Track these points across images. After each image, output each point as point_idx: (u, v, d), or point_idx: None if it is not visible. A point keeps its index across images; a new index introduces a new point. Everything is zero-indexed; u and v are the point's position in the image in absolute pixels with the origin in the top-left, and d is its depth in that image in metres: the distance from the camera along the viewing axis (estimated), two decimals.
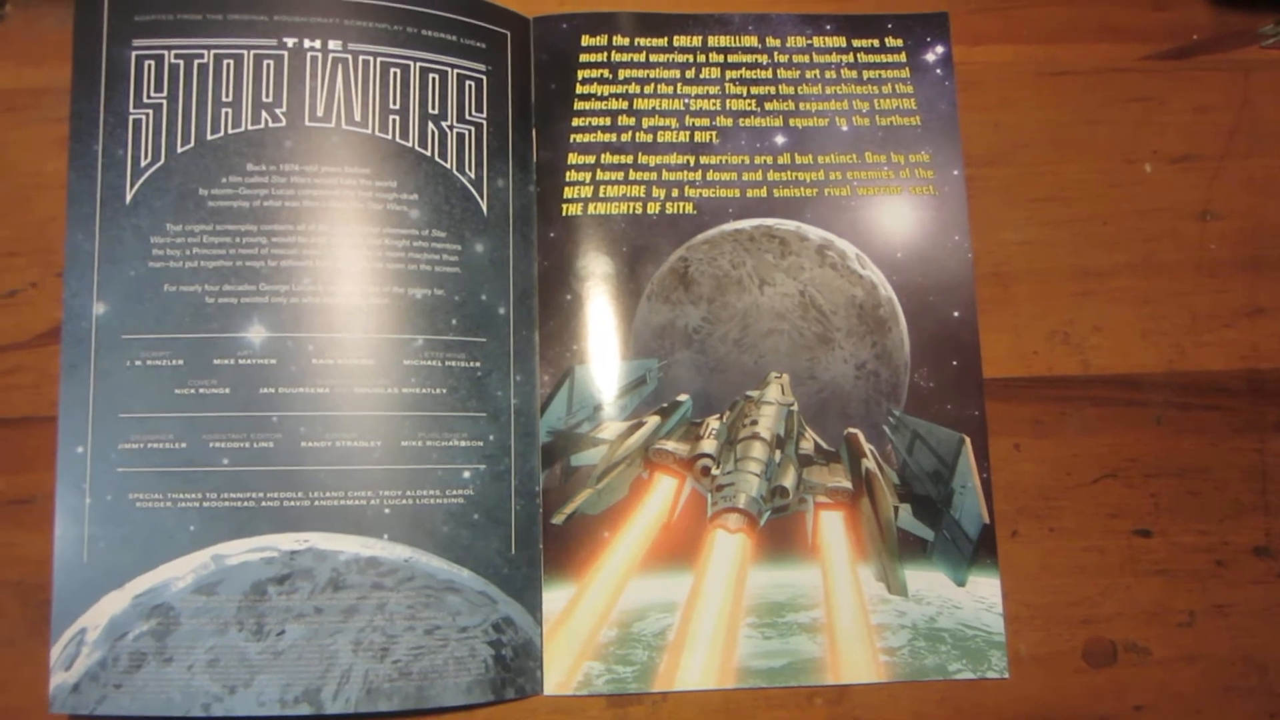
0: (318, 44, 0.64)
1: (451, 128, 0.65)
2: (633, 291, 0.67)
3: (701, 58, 0.70)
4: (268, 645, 0.59)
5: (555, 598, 0.63)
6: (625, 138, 0.69)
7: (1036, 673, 0.64)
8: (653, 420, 0.66)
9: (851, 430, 0.66)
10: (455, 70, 0.66)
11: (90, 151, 0.62)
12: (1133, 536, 0.66)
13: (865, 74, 0.71)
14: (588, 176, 0.68)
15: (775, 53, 0.71)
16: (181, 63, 0.63)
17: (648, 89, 0.69)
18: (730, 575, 0.63)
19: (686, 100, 0.70)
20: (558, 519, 0.63)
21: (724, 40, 0.70)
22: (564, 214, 0.67)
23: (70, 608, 0.58)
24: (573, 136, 0.68)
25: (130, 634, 0.58)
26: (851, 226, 0.68)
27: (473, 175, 0.65)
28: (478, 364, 0.63)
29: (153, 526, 0.59)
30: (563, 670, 0.62)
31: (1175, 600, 0.66)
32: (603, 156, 0.68)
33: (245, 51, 0.63)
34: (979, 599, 0.64)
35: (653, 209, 0.68)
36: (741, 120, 0.69)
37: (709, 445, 0.65)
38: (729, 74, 0.70)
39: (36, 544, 0.60)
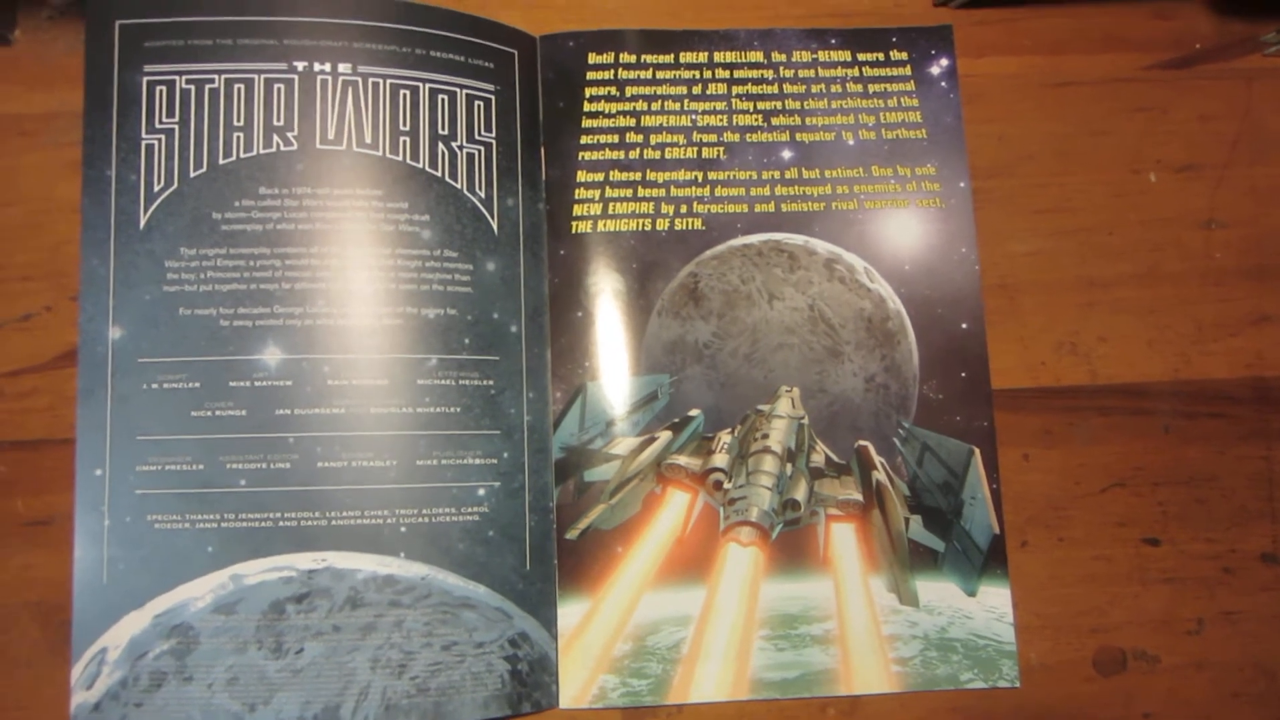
0: (327, 67, 0.64)
1: (461, 148, 0.66)
2: (643, 308, 0.67)
3: (708, 74, 0.71)
4: (287, 663, 0.59)
5: (570, 612, 0.63)
6: (633, 155, 0.69)
7: (1047, 681, 0.65)
8: (665, 435, 0.66)
9: (862, 443, 0.67)
10: (464, 90, 0.66)
11: (104, 177, 0.62)
12: (1141, 545, 0.67)
13: (870, 88, 0.71)
14: (597, 194, 0.68)
15: (781, 68, 0.71)
16: (193, 88, 0.63)
17: (655, 106, 0.70)
18: (743, 588, 0.64)
19: (694, 116, 0.70)
20: (572, 534, 0.64)
21: (730, 56, 0.71)
22: (574, 231, 0.68)
23: (91, 628, 0.59)
24: (581, 154, 0.69)
25: (150, 653, 0.59)
26: (859, 240, 0.69)
27: (483, 195, 0.66)
28: (491, 382, 0.64)
29: (171, 547, 0.60)
30: (578, 684, 0.62)
31: (1184, 608, 0.66)
32: (611, 174, 0.69)
33: (256, 76, 0.64)
34: (990, 609, 0.65)
35: (662, 225, 0.68)
36: (748, 135, 0.70)
37: (721, 459, 0.66)
38: (735, 90, 0.71)
39: (56, 565, 0.61)
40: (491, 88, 0.67)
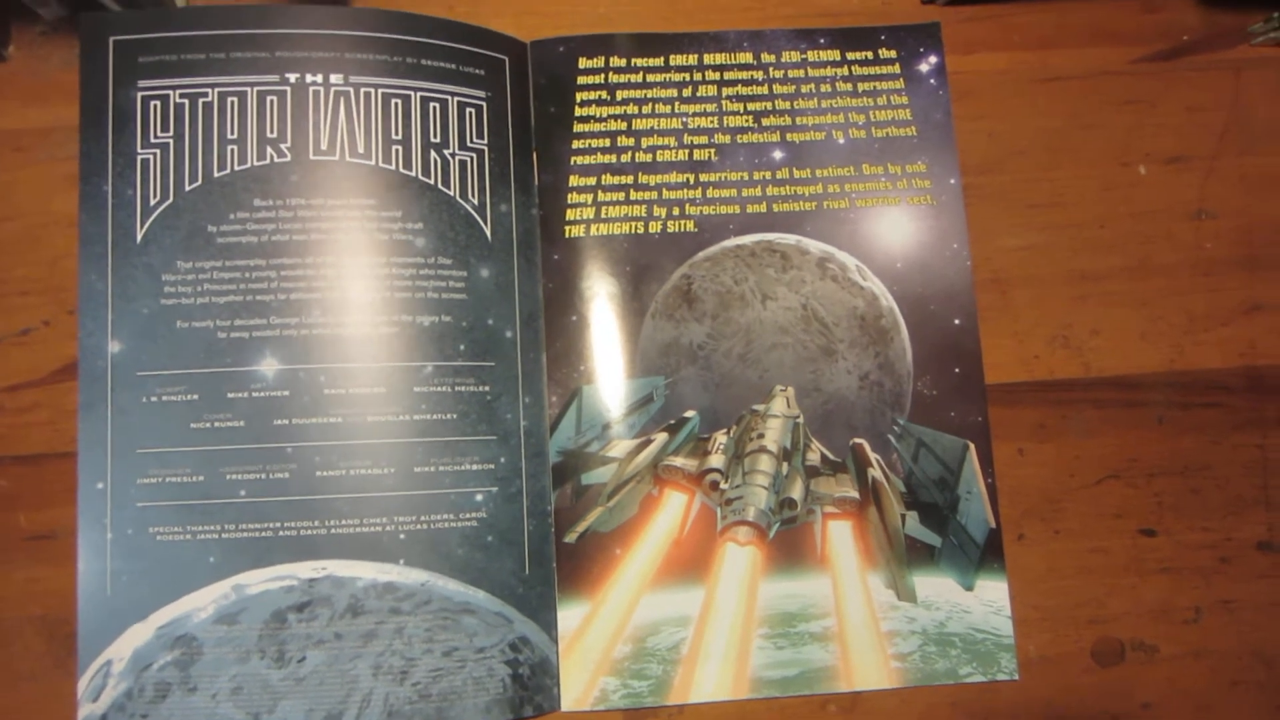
0: (319, 78, 0.65)
1: (453, 155, 0.66)
2: (637, 310, 0.68)
3: (698, 76, 0.71)
4: (289, 672, 0.60)
5: (570, 615, 0.64)
6: (625, 158, 0.70)
7: (1046, 674, 0.65)
8: (661, 437, 0.67)
9: (857, 440, 0.67)
10: (455, 98, 0.67)
11: (100, 192, 0.63)
12: (1137, 536, 0.67)
13: (860, 86, 0.72)
14: (589, 198, 0.69)
15: (770, 68, 0.71)
16: (187, 102, 0.64)
17: (646, 109, 0.70)
18: (742, 587, 0.64)
19: (684, 119, 0.70)
20: (570, 538, 0.65)
21: (720, 58, 0.71)
22: (567, 236, 0.68)
23: (95, 640, 0.60)
24: (573, 159, 0.69)
25: (155, 664, 0.59)
26: (851, 238, 0.69)
27: (476, 201, 0.66)
28: (487, 388, 0.64)
29: (173, 559, 0.60)
30: (579, 686, 0.63)
31: (1181, 598, 0.67)
32: (603, 177, 0.69)
33: (249, 89, 0.64)
34: (987, 603, 0.65)
35: (654, 228, 0.69)
36: (739, 137, 0.70)
37: (717, 460, 0.66)
38: (725, 91, 0.71)
39: (59, 578, 0.62)
40: (483, 94, 0.68)
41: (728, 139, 0.70)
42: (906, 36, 0.72)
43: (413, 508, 0.62)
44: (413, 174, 0.65)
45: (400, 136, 0.65)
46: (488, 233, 0.66)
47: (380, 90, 0.65)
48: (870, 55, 0.72)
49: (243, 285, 0.62)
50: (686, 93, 0.71)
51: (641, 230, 0.69)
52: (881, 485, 0.66)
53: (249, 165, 0.63)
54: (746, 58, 0.72)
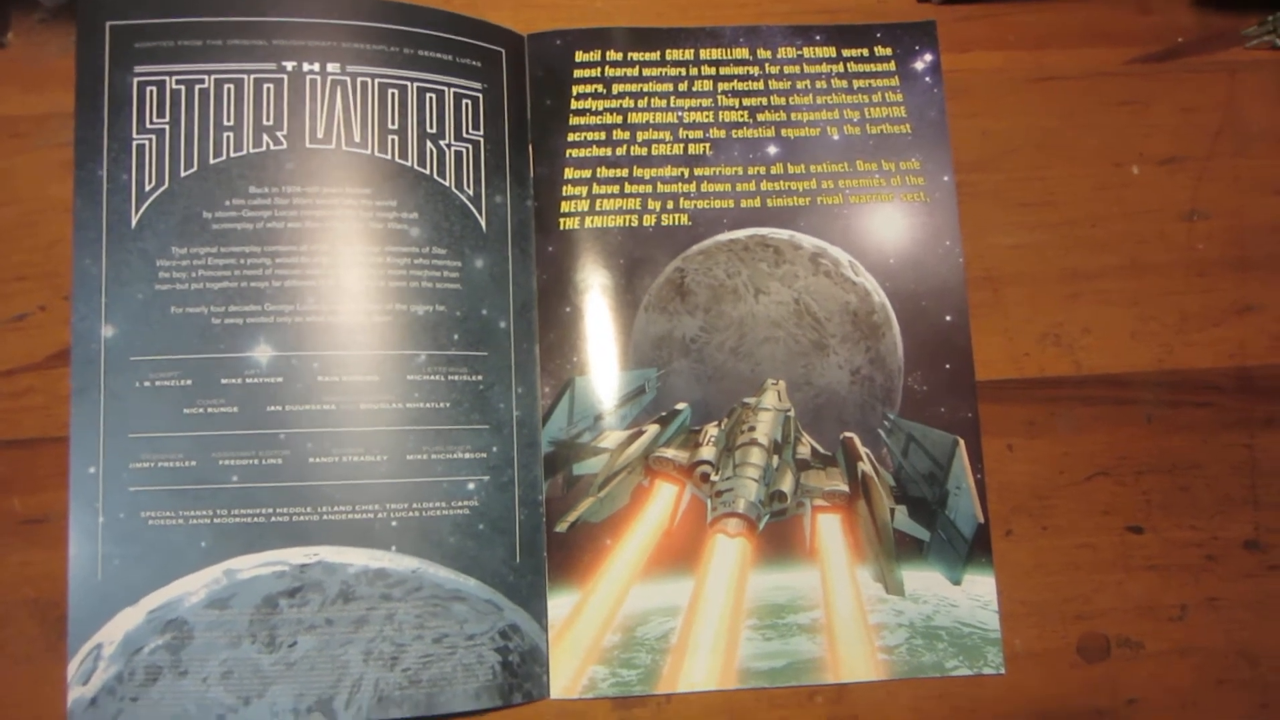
0: (316, 67, 0.65)
1: (449, 146, 0.66)
2: (630, 303, 0.68)
3: (694, 71, 0.71)
4: (280, 657, 0.60)
5: (560, 604, 0.64)
6: (620, 151, 0.70)
7: (1032, 668, 0.66)
8: (652, 429, 0.67)
9: (847, 434, 0.68)
10: (452, 89, 0.67)
11: (95, 178, 0.63)
12: (1125, 533, 0.68)
13: (855, 83, 0.72)
14: (584, 190, 0.69)
15: (766, 64, 0.72)
16: (183, 88, 0.64)
17: (641, 103, 0.71)
18: (731, 579, 0.65)
19: (680, 113, 0.71)
20: (561, 527, 0.65)
21: (716, 53, 0.72)
22: (561, 228, 0.68)
23: (86, 624, 0.60)
24: (569, 151, 0.69)
25: (145, 648, 0.59)
26: (844, 234, 0.70)
27: (471, 192, 0.66)
28: (480, 377, 0.65)
29: (165, 543, 0.60)
30: (568, 675, 0.63)
31: (1167, 595, 0.67)
32: (598, 170, 0.69)
33: (245, 76, 0.64)
34: (975, 597, 0.65)
35: (648, 221, 0.69)
36: (734, 132, 0.71)
37: (708, 452, 0.66)
38: (721, 86, 0.71)
39: (52, 562, 0.62)
40: (479, 86, 0.68)
41: (723, 134, 0.71)
42: (902, 34, 0.73)
43: (405, 495, 0.62)
44: (408, 164, 0.65)
45: (396, 126, 0.66)
46: (482, 223, 0.66)
47: (377, 80, 0.66)
48: (866, 52, 0.72)
49: (237, 272, 0.63)
50: (682, 87, 0.71)
51: (636, 223, 0.69)
52: (871, 479, 0.66)
53: (245, 152, 0.64)
54: (742, 53, 0.72)
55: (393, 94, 0.66)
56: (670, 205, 0.69)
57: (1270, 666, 0.66)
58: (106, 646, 0.59)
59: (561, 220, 0.69)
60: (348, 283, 0.63)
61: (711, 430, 0.67)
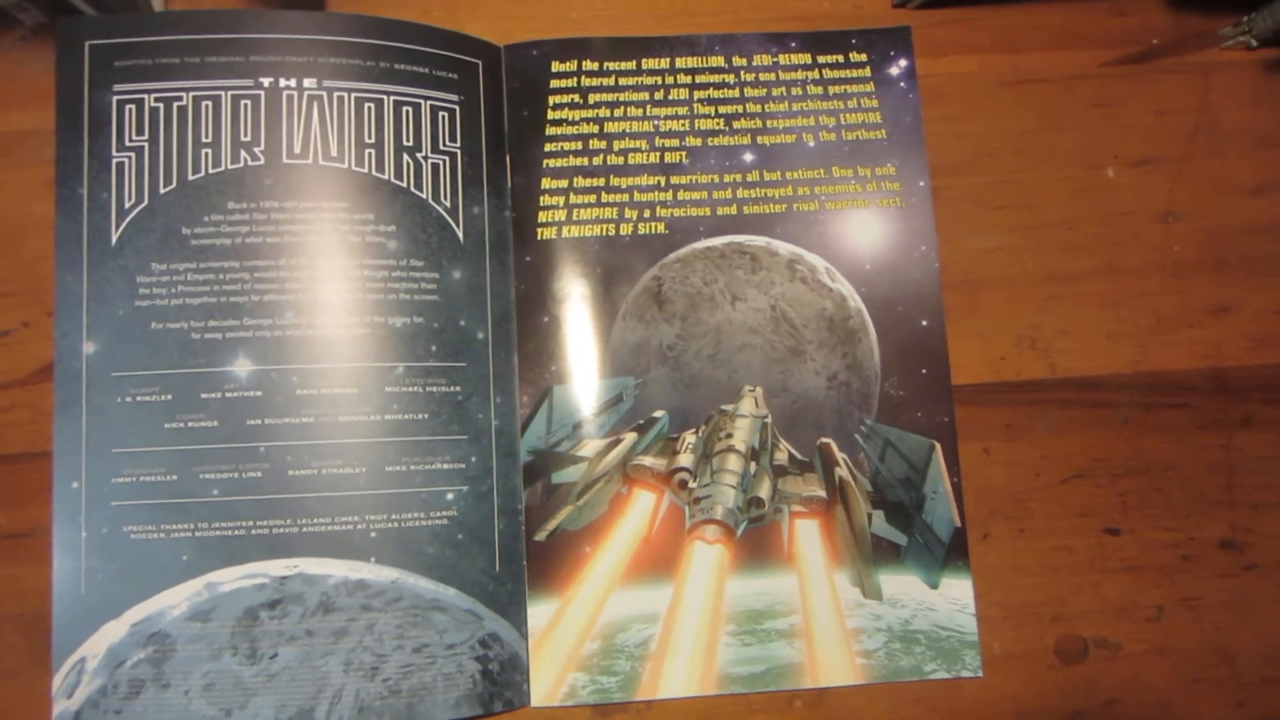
0: (293, 82, 0.65)
1: (426, 158, 0.67)
2: (608, 312, 0.69)
3: (670, 79, 0.72)
4: (262, 668, 0.61)
5: (540, 612, 0.65)
6: (597, 161, 0.70)
7: (1010, 671, 0.66)
8: (630, 437, 0.67)
9: (824, 440, 0.68)
10: (429, 102, 0.67)
11: (76, 195, 0.64)
12: (1102, 535, 0.68)
13: (831, 90, 0.72)
14: (561, 200, 0.70)
15: (742, 72, 0.72)
16: (161, 106, 0.65)
17: (618, 112, 0.71)
18: (709, 585, 0.65)
19: (656, 122, 0.71)
20: (540, 536, 0.65)
21: (691, 61, 0.72)
22: (539, 238, 0.69)
23: (70, 638, 0.60)
24: (546, 162, 0.70)
25: (128, 661, 0.60)
26: (820, 240, 0.70)
27: (448, 204, 0.67)
28: (458, 388, 0.65)
29: (147, 557, 0.61)
30: (549, 682, 0.64)
31: (1144, 596, 0.68)
32: (575, 180, 0.70)
33: (223, 92, 0.65)
34: (952, 600, 0.66)
35: (625, 230, 0.70)
36: (710, 140, 0.71)
37: (686, 459, 0.67)
38: (697, 94, 0.72)
39: (36, 576, 0.62)
40: (456, 98, 0.68)
41: (699, 142, 0.71)
42: (877, 40, 0.73)
43: (384, 506, 0.63)
44: (385, 177, 0.66)
45: (373, 140, 0.66)
46: (460, 235, 0.67)
47: (354, 94, 0.66)
48: (841, 59, 0.73)
49: (216, 287, 0.63)
50: (658, 96, 0.72)
51: (613, 232, 0.70)
52: (848, 484, 0.67)
53: (223, 168, 0.64)
54: (718, 61, 0.72)
55: (369, 108, 0.66)
56: (647, 214, 0.70)
57: (1247, 665, 0.67)
58: (90, 660, 0.60)
59: (539, 230, 0.69)
60: (326, 296, 0.64)
61: (689, 437, 0.68)
